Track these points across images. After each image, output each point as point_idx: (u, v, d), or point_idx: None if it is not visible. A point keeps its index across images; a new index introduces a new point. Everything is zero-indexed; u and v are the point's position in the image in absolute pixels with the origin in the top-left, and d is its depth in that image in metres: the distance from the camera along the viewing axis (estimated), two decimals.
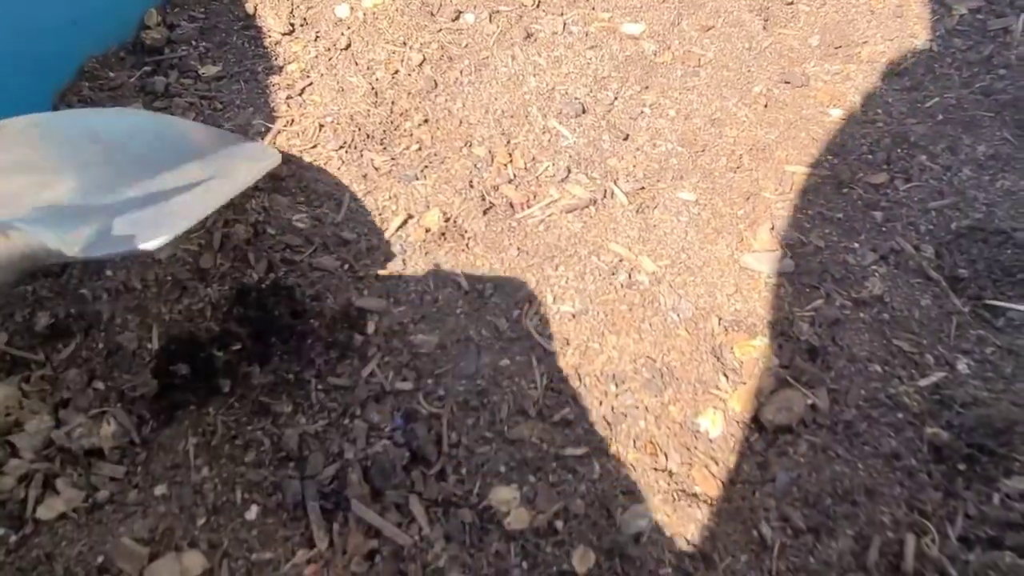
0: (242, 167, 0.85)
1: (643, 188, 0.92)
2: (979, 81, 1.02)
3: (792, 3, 1.13)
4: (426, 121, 0.98)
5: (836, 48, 1.07)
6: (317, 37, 1.07)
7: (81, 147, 0.79)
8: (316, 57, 1.05)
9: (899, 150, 0.95)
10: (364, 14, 1.10)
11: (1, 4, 0.88)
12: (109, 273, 0.82)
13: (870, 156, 0.95)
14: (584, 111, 0.98)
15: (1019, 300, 0.84)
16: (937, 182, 0.92)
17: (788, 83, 1.02)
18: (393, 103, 0.99)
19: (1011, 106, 0.99)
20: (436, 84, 1.02)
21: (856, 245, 0.88)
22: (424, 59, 1.05)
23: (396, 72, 1.03)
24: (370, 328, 0.79)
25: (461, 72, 1.04)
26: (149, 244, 0.67)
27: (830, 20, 1.11)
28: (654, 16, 1.11)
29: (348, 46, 1.06)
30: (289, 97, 1.00)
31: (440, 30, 1.09)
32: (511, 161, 0.94)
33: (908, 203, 0.90)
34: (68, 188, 0.73)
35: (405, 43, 1.07)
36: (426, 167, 0.94)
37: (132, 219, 0.71)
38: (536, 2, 1.13)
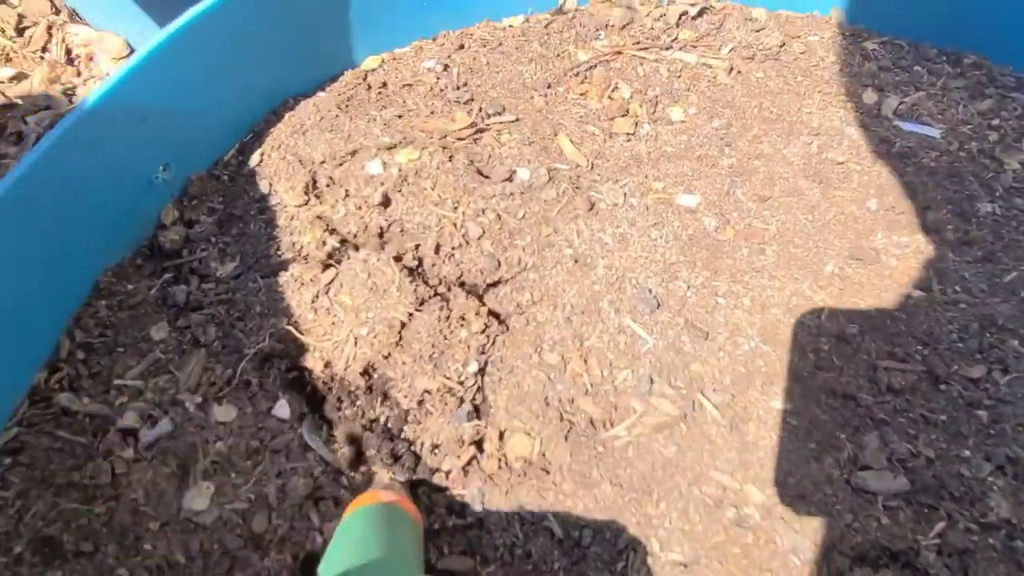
0: None
1: (733, 397, 0.86)
2: None
3: (843, 162, 1.10)
4: (486, 327, 0.91)
5: (899, 215, 1.03)
6: (347, 195, 0.99)
7: None
8: (344, 231, 0.96)
9: (989, 335, 0.91)
10: (400, 170, 1.01)
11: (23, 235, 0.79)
12: (148, 547, 0.72)
13: (961, 345, 0.90)
14: (659, 306, 0.92)
15: None
16: None
17: (860, 259, 0.98)
18: (444, 300, 0.91)
19: None
20: (499, 265, 0.95)
21: (967, 453, 0.82)
22: (483, 232, 0.96)
23: (439, 249, 0.94)
24: None
25: (523, 250, 0.97)
26: None
27: (884, 180, 1.08)
28: (707, 185, 1.06)
29: (384, 208, 0.97)
30: (315, 299, 0.90)
31: (494, 196, 1.01)
32: (587, 369, 0.87)
33: (1012, 400, 0.85)
34: None
35: (456, 207, 0.99)
36: (496, 382, 0.86)
37: None
38: (590, 164, 1.08)
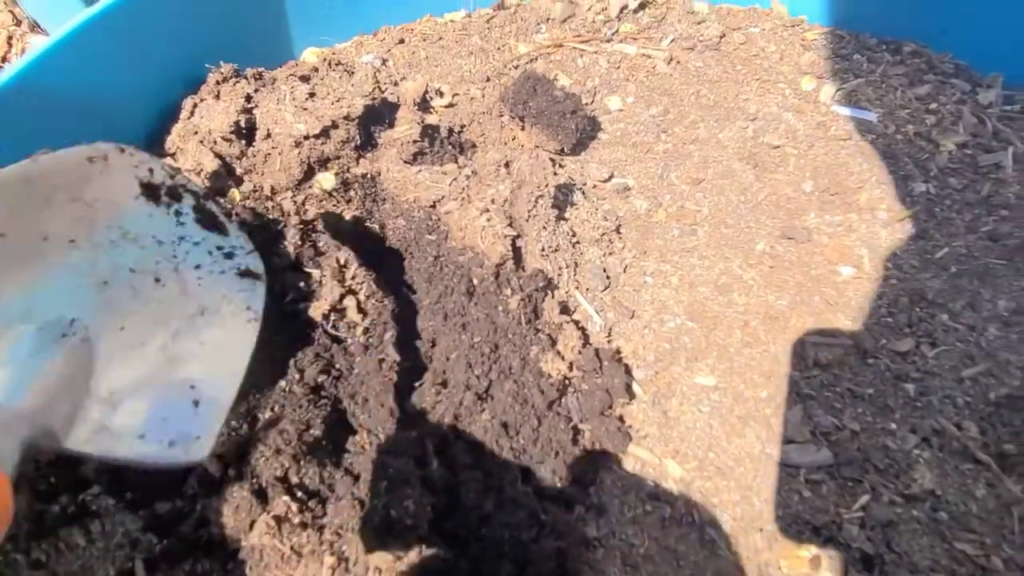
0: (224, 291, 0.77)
1: (656, 373, 0.84)
2: (983, 225, 0.99)
3: (779, 146, 1.09)
4: None
5: (832, 195, 1.03)
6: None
7: None
8: None
9: (919, 310, 0.90)
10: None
11: None
12: None
13: (890, 319, 0.89)
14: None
15: None
16: (964, 345, 0.87)
17: (791, 238, 0.97)
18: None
19: (1022, 251, 0.95)
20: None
21: (894, 426, 0.81)
22: None
23: None
24: None
25: None
26: (195, 455, 0.64)
27: (820, 163, 1.07)
28: (641, 169, 1.06)
29: None
30: None
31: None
32: None
33: (939, 372, 0.84)
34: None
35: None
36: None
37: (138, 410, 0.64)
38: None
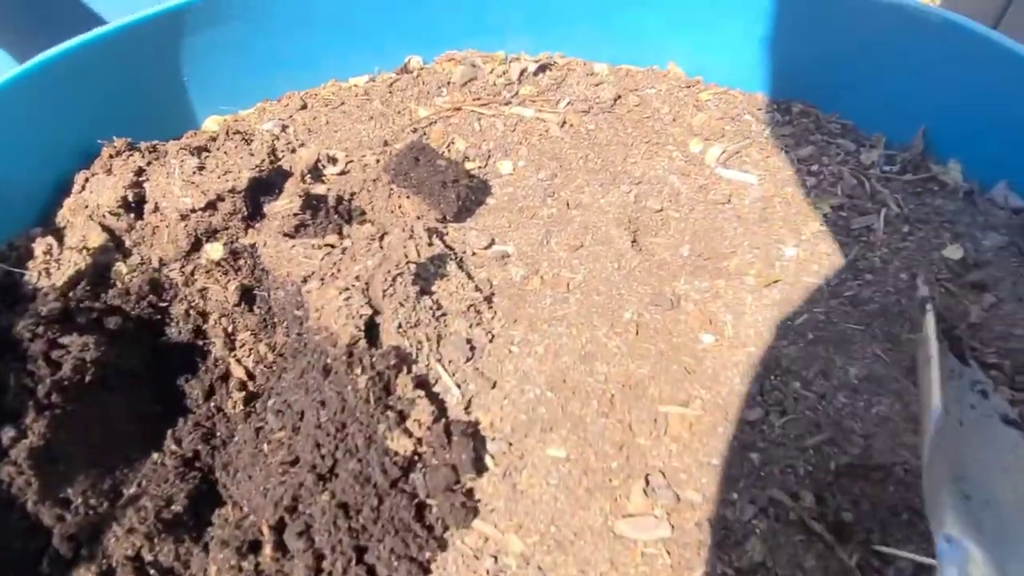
0: None
1: (511, 445, 0.87)
2: (847, 289, 1.02)
3: (661, 210, 1.13)
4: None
5: (705, 260, 1.06)
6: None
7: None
8: None
9: (772, 378, 0.93)
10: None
11: None
12: None
13: (743, 388, 0.92)
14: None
15: (907, 543, 0.79)
16: (813, 413, 0.89)
17: (658, 305, 1.00)
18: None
19: (880, 316, 0.99)
20: None
21: (735, 496, 0.83)
22: None
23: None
24: None
25: None
26: None
27: (699, 227, 1.11)
28: (522, 236, 1.09)
29: None
30: None
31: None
32: None
33: (784, 441, 0.87)
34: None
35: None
36: None
37: None
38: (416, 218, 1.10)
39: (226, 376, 1.03)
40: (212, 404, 1.01)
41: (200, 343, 1.04)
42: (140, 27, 1.07)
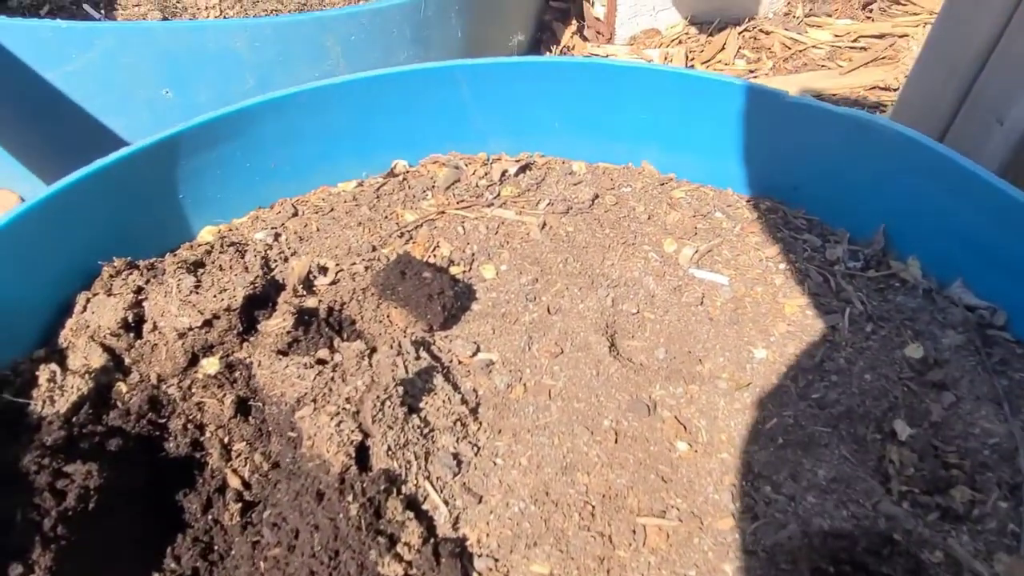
0: None
1: (497, 561, 0.91)
2: (814, 392, 1.08)
3: (637, 312, 1.19)
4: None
5: (680, 363, 1.12)
6: None
7: None
8: None
9: (744, 484, 0.97)
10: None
11: None
12: None
13: (716, 496, 0.97)
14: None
15: None
16: (783, 515, 0.94)
17: (635, 412, 1.05)
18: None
19: (845, 418, 1.04)
20: None
21: None
22: None
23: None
24: None
25: None
26: None
27: (674, 330, 1.17)
28: (505, 343, 1.14)
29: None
30: None
31: None
32: None
33: (754, 550, 0.91)
34: None
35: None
36: None
37: None
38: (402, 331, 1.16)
39: (223, 487, 1.07)
40: (210, 517, 1.04)
41: (197, 455, 1.08)
42: (136, 156, 1.13)
